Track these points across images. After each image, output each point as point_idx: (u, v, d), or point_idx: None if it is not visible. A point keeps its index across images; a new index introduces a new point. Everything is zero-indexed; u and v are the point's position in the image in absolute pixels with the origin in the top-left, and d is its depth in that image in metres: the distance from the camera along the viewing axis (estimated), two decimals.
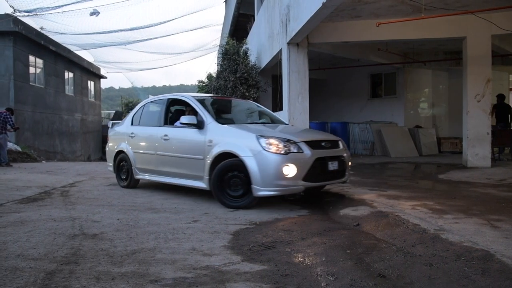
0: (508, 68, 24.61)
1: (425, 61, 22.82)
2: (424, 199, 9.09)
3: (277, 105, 18.51)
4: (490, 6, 13.51)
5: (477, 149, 15.40)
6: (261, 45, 21.45)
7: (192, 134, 9.97)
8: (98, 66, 45.91)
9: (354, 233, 6.69)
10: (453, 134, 24.03)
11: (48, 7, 25.80)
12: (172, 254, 5.61)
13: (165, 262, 5.29)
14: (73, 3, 26.02)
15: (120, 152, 12.48)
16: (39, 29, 30.55)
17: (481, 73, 15.41)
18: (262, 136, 8.70)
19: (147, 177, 11.65)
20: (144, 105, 12.49)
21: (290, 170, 8.47)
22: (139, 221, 7.65)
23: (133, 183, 12.27)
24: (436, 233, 5.98)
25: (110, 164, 13.08)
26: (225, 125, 9.65)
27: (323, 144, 9.35)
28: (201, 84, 25.86)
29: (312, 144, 9.03)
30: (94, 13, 28.33)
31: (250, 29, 25.56)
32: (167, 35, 38.13)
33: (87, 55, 45.21)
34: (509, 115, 18.95)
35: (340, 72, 26.40)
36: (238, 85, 20.04)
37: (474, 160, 15.43)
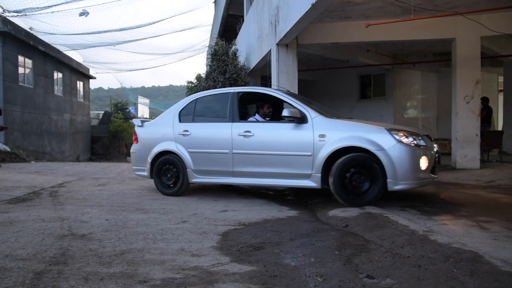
0: (497, 69, 24.67)
1: (414, 62, 22.88)
2: (412, 201, 9.12)
3: None
4: (479, 8, 13.55)
5: (466, 151, 15.44)
6: (250, 46, 21.45)
7: (290, 129, 9.43)
8: (87, 67, 45.84)
9: (343, 234, 6.70)
10: (442, 136, 24.06)
11: (38, 8, 25.84)
12: (161, 255, 5.60)
13: (153, 262, 5.28)
14: (62, 3, 26.05)
15: (164, 153, 11.08)
16: (28, 30, 30.53)
17: (470, 75, 15.46)
18: (392, 129, 8.59)
19: (210, 179, 10.62)
20: (196, 100, 11.28)
21: (424, 163, 8.51)
22: (128, 222, 7.64)
23: (184, 189, 10.92)
24: (425, 235, 5.99)
25: (142, 168, 11.52)
26: (335, 119, 9.32)
27: (430, 137, 9.47)
28: (190, 84, 25.85)
29: (429, 137, 9.25)
30: (84, 13, 28.35)
31: (239, 30, 25.56)
32: (156, 36, 38.20)
33: (76, 56, 45.27)
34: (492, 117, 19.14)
35: (329, 73, 26.42)
36: (227, 85, 20.02)
37: (463, 161, 15.47)
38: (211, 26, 39.02)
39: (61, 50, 37.21)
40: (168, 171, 11.08)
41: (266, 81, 18.28)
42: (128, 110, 64.03)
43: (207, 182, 10.83)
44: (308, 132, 9.13)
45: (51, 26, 30.11)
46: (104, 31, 32.30)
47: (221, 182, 10.66)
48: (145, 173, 11.45)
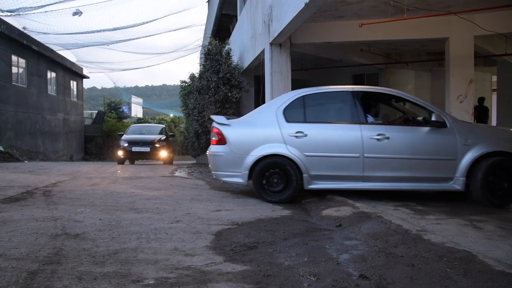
0: (490, 69, 24.75)
1: (407, 62, 22.94)
2: (406, 200, 9.15)
3: (260, 106, 18.54)
4: (472, 7, 13.59)
5: None
6: (244, 46, 21.47)
7: (429, 133, 9.41)
8: (81, 66, 45.79)
9: (336, 234, 6.71)
10: None
11: (31, 7, 25.81)
12: (154, 254, 5.60)
13: (147, 262, 5.28)
14: (55, 3, 26.02)
15: (270, 156, 9.87)
16: (21, 29, 30.51)
17: (463, 74, 15.50)
18: None
19: (333, 185, 9.76)
20: (303, 97, 10.32)
21: None
22: (122, 221, 7.62)
23: (294, 195, 9.90)
24: (418, 234, 6.00)
25: (234, 173, 10.22)
26: (472, 124, 9.95)
27: None
28: (184, 84, 25.87)
29: None
30: (77, 13, 28.32)
31: (232, 29, 25.57)
32: (150, 35, 38.11)
33: (69, 55, 45.14)
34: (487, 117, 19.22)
35: (322, 73, 26.46)
36: (221, 85, 20.04)
37: None
38: (204, 26, 39.00)
39: (54, 49, 37.19)
40: (273, 176, 9.96)
41: (259, 81, 18.27)
42: (121, 109, 63.94)
43: (327, 188, 9.88)
44: (452, 137, 9.22)
45: (44, 25, 30.09)
46: (98, 31, 32.26)
47: (346, 187, 9.77)
48: (239, 179, 10.18)
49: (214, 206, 9.24)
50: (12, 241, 6.15)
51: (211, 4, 33.80)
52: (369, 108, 10.36)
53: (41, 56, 35.10)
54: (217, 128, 10.40)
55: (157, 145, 24.80)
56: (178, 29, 43.27)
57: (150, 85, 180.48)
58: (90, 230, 6.95)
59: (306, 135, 9.71)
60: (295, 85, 16.58)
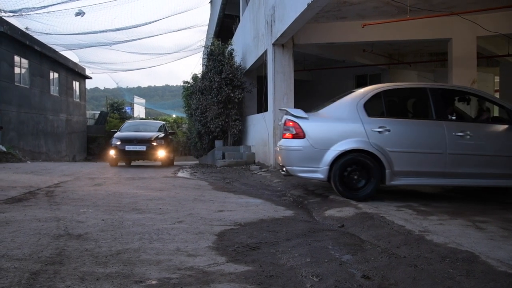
0: (493, 69, 24.72)
1: (410, 62, 22.93)
2: (409, 201, 9.13)
3: (262, 106, 18.54)
4: (475, 8, 13.59)
5: None
6: (246, 46, 21.49)
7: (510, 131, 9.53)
8: (83, 67, 45.78)
9: (339, 234, 6.70)
10: None
11: (34, 8, 25.79)
12: (157, 255, 5.59)
13: (149, 262, 5.27)
14: (58, 3, 26.01)
15: (351, 152, 9.51)
16: (24, 30, 30.51)
17: (466, 75, 15.51)
18: None
19: (414, 181, 9.61)
20: (381, 93, 10.06)
21: None
22: (124, 222, 7.62)
23: (375, 192, 9.59)
24: (421, 235, 6.00)
25: (313, 168, 9.70)
26: None
27: None
28: (187, 84, 25.90)
29: None
30: (80, 13, 28.33)
31: (235, 30, 25.61)
32: (152, 36, 38.10)
33: (72, 56, 45.03)
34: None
35: (325, 73, 26.49)
36: (223, 85, 20.09)
37: None
38: (207, 26, 39.03)
39: (57, 50, 37.18)
40: (354, 172, 9.61)
41: (262, 81, 18.28)
42: (124, 110, 63.91)
43: (408, 184, 9.76)
44: None
45: (47, 26, 30.10)
46: (100, 31, 32.26)
47: (427, 183, 9.87)
48: (319, 175, 9.64)
49: (217, 207, 9.24)
50: (15, 242, 6.15)
51: (214, 4, 33.83)
52: (448, 105, 10.31)
53: (44, 57, 35.12)
54: (294, 121, 9.95)
55: (154, 144, 21.24)
56: (181, 30, 43.27)
57: (152, 85, 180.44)
58: (92, 230, 6.95)
59: (389, 130, 9.51)
60: (297, 86, 16.62)
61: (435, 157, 9.41)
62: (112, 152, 21.42)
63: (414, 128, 9.70)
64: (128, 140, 21.35)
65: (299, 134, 9.79)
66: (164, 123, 27.26)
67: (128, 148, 21.01)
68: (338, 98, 10.24)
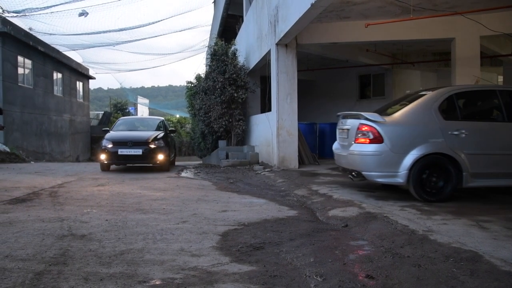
0: (496, 69, 24.66)
1: (413, 62, 22.89)
2: (412, 200, 9.11)
3: (266, 106, 18.53)
4: (478, 7, 13.57)
5: None
6: (250, 46, 21.48)
7: None
8: (87, 67, 45.75)
9: (342, 234, 6.70)
10: None
11: (37, 8, 25.82)
12: (161, 255, 5.60)
13: (153, 262, 5.28)
14: (61, 4, 26.05)
15: (429, 155, 9.37)
16: (27, 30, 30.51)
17: (469, 74, 15.47)
18: None
19: (490, 183, 9.69)
20: (454, 95, 9.89)
21: None
22: (128, 222, 7.63)
23: (452, 195, 9.47)
24: (425, 234, 6.00)
25: (392, 173, 9.47)
26: None
27: None
28: (190, 84, 25.89)
29: None
30: (83, 14, 28.34)
31: (238, 30, 25.59)
32: (156, 36, 38.13)
33: (75, 56, 45.07)
34: None
35: (328, 73, 26.43)
36: (227, 86, 20.06)
37: None
38: (210, 26, 39.02)
39: (60, 50, 37.17)
40: (431, 175, 9.45)
41: (265, 81, 18.28)
42: (127, 110, 64.00)
43: (486, 185, 9.91)
44: None
45: (50, 26, 30.14)
46: (104, 32, 32.29)
47: (504, 184, 9.76)
48: (399, 180, 9.43)
49: (221, 207, 9.24)
50: (19, 242, 6.17)
51: (217, 4, 33.83)
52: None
53: (47, 57, 35.09)
54: (372, 126, 9.66)
55: (152, 146, 18.13)
56: (184, 30, 43.30)
57: (156, 85, 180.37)
58: (96, 230, 6.96)
59: (466, 133, 9.42)
60: (301, 86, 16.61)
61: (508, 159, 9.50)
62: (102, 157, 18.14)
63: (489, 130, 9.72)
64: (121, 142, 18.11)
65: (378, 139, 9.58)
66: (163, 119, 23.68)
67: (122, 151, 17.74)
68: (410, 102, 10.06)
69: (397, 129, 9.64)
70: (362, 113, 9.92)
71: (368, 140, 9.56)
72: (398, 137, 9.55)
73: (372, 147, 9.50)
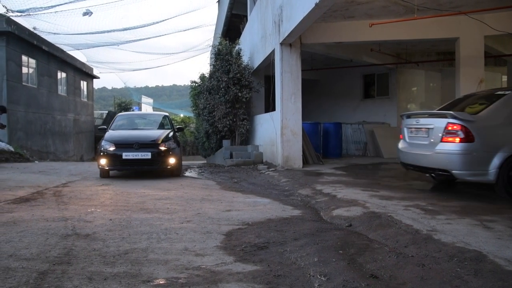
0: (500, 69, 24.66)
1: (417, 62, 22.89)
2: (416, 200, 9.10)
3: (270, 106, 18.53)
4: (482, 7, 13.56)
5: None
6: (254, 46, 21.49)
7: None
8: (91, 66, 45.78)
9: (346, 234, 6.70)
10: None
11: (41, 7, 25.79)
12: (165, 254, 5.60)
13: (157, 262, 5.28)
14: (66, 3, 26.01)
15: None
16: (32, 29, 30.50)
17: (473, 74, 15.47)
18: None
19: None
20: None
21: None
22: (132, 221, 7.64)
23: None
24: (429, 234, 5.99)
25: (484, 171, 9.39)
26: None
27: None
28: (194, 84, 25.89)
29: None
30: (87, 13, 28.32)
31: (242, 29, 25.58)
32: (160, 35, 38.12)
33: (80, 55, 45.16)
34: None
35: (333, 73, 26.45)
36: (231, 85, 20.06)
37: None
38: (214, 26, 39.02)
39: (64, 50, 37.18)
40: None
41: (270, 81, 18.28)
42: (131, 109, 64.02)
43: None
44: None
45: (54, 26, 30.09)
46: (108, 31, 32.24)
47: None
48: (489, 178, 9.35)
49: (224, 206, 9.24)
50: (23, 241, 6.17)
51: (221, 4, 33.81)
52: None
53: (52, 57, 35.17)
54: (462, 125, 9.50)
55: (163, 148, 15.22)
56: (188, 29, 43.34)
57: (160, 85, 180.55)
58: (100, 230, 6.97)
59: None
60: (305, 85, 16.64)
61: None
62: (103, 161, 14.99)
63: None
64: (125, 143, 15.17)
65: (469, 138, 9.42)
66: (167, 114, 20.46)
67: (127, 155, 14.77)
68: (494, 100, 9.91)
69: (487, 128, 9.59)
70: (450, 112, 9.81)
71: (458, 139, 9.48)
72: (488, 135, 9.51)
73: (463, 146, 9.43)
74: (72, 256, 5.48)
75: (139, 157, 14.77)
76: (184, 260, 5.37)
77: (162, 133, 16.12)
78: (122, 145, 15.05)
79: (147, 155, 14.81)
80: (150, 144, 15.19)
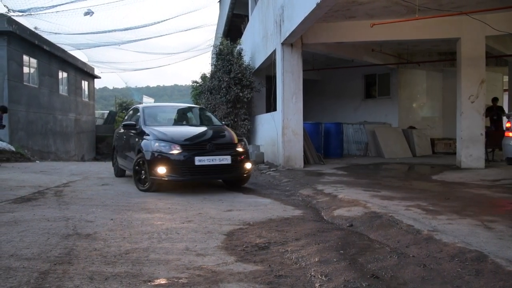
0: (502, 69, 24.68)
1: (419, 62, 22.88)
2: (418, 200, 9.10)
3: (271, 106, 18.53)
4: (484, 7, 13.56)
5: (471, 150, 15.44)
6: (255, 46, 21.49)
7: None
8: (92, 66, 45.77)
9: (347, 234, 6.69)
10: (447, 135, 24.10)
11: (42, 7, 25.79)
12: (166, 254, 5.61)
13: (158, 262, 5.29)
14: (67, 3, 26.02)
15: None
16: (33, 29, 30.49)
17: (475, 74, 15.46)
18: None
19: None
20: None
21: None
22: (133, 221, 7.64)
23: None
24: (430, 234, 5.99)
25: None
26: None
27: None
28: (195, 84, 25.90)
29: None
30: (88, 13, 28.31)
31: (244, 29, 25.60)
32: (161, 35, 38.17)
33: (81, 55, 45.13)
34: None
35: (334, 73, 26.45)
36: (232, 85, 20.06)
37: (468, 161, 15.47)
38: (215, 26, 39.02)
39: (66, 49, 37.17)
40: None
41: (271, 81, 18.28)
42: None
43: None
44: None
45: (56, 25, 30.09)
46: (109, 31, 32.24)
47: None
48: None
49: (226, 206, 9.25)
50: (24, 241, 6.18)
51: (223, 4, 33.83)
52: None
53: (53, 56, 35.14)
54: None
55: (241, 149, 11.94)
56: (190, 29, 43.40)
57: (161, 85, 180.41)
58: (101, 230, 6.97)
59: None
60: (306, 85, 16.66)
61: None
62: (161, 170, 11.01)
63: None
64: (195, 144, 11.58)
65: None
66: (203, 106, 18.49)
67: (201, 161, 11.06)
68: None
69: None
70: None
71: None
72: None
73: None
74: (73, 256, 5.48)
75: (217, 162, 11.28)
76: (185, 260, 5.38)
77: (230, 131, 12.95)
78: (191, 146, 11.42)
79: (227, 160, 11.39)
80: (227, 145, 11.89)
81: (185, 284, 4.57)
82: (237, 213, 8.54)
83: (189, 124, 14.38)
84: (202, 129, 12.99)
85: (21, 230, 6.87)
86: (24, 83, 30.30)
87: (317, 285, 4.58)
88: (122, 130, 14.36)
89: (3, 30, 27.21)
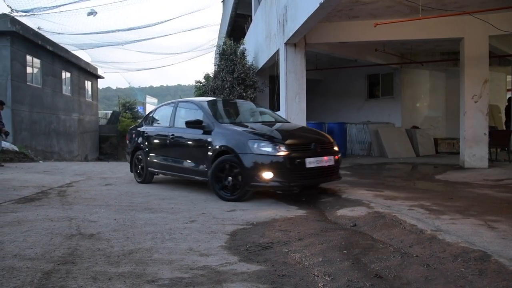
0: (505, 69, 24.62)
1: (422, 62, 22.84)
2: (421, 200, 9.10)
3: (275, 106, 18.52)
4: (487, 7, 13.54)
5: (474, 150, 15.41)
6: (259, 46, 21.47)
7: None
8: (96, 66, 45.80)
9: (351, 234, 6.69)
10: (450, 135, 24.05)
11: (46, 7, 25.78)
12: (169, 254, 5.61)
13: (162, 262, 5.29)
14: (70, 3, 26.00)
15: None
16: (36, 29, 30.49)
17: (478, 74, 15.43)
18: None
19: None
20: None
21: None
22: (136, 221, 7.64)
23: None
24: (433, 234, 5.98)
25: None
26: None
27: None
28: (199, 84, 25.88)
29: None
30: (92, 13, 28.31)
31: (247, 29, 25.57)
32: (165, 35, 38.16)
33: (84, 55, 45.26)
34: None
35: (337, 73, 26.42)
36: (236, 85, 20.04)
37: (471, 160, 15.44)
38: (219, 26, 39.01)
39: (69, 49, 37.17)
40: None
41: (274, 81, 18.26)
42: (136, 109, 64.12)
43: None
44: None
45: (59, 25, 30.07)
46: (112, 31, 32.24)
47: None
48: None
49: (229, 206, 9.24)
50: (27, 241, 6.18)
51: (226, 4, 33.81)
52: None
53: (56, 56, 35.18)
54: None
55: (337, 148, 10.79)
56: (193, 29, 43.34)
57: (164, 85, 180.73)
58: (105, 230, 6.97)
59: None
60: (309, 85, 16.62)
61: None
62: (267, 174, 9.46)
63: None
64: (302, 145, 10.15)
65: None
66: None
67: (310, 163, 9.74)
68: None
69: None
70: None
71: None
72: None
73: None
74: (77, 256, 5.49)
75: (324, 163, 10.05)
76: (188, 260, 5.38)
77: (317, 130, 12.34)
78: (297, 146, 9.94)
79: (331, 161, 10.24)
80: (328, 144, 10.64)
81: (188, 284, 4.57)
82: (240, 213, 8.54)
83: (261, 121, 12.26)
84: (290, 126, 11.75)
85: (24, 230, 6.87)
86: (28, 83, 30.33)
87: (320, 285, 4.57)
88: (149, 128, 13.11)
89: (7, 30, 27.24)
